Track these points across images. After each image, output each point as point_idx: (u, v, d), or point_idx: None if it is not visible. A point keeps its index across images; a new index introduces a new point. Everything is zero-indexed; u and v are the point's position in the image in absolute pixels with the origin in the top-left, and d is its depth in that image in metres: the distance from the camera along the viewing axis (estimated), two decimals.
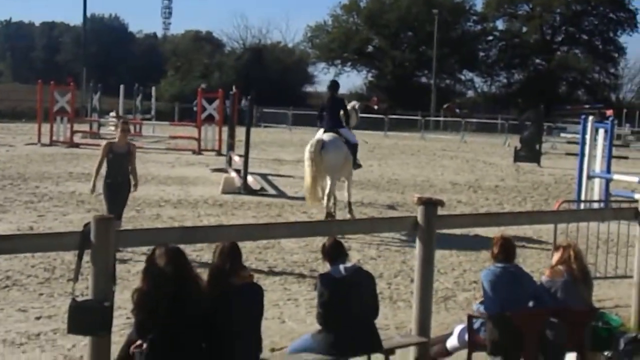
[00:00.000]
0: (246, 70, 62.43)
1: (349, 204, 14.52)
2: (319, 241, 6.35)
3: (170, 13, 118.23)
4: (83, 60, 57.04)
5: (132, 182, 11.36)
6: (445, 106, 53.52)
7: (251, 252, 11.05)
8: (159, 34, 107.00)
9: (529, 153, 28.28)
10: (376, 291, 6.48)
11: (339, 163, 13.79)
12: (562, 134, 39.61)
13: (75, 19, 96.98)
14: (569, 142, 32.97)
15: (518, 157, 28.35)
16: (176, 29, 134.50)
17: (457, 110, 51.90)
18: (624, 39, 72.73)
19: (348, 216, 14.23)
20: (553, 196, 19.08)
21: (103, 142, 11.00)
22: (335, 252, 6.34)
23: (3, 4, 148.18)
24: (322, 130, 14.12)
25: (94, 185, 11.50)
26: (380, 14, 68.89)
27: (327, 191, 13.84)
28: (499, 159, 29.86)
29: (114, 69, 73.88)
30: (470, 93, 73.76)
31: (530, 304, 6.71)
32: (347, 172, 14.42)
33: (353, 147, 14.26)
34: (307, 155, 13.60)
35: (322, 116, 14.44)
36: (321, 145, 13.50)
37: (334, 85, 15.18)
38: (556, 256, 7.06)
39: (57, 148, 26.14)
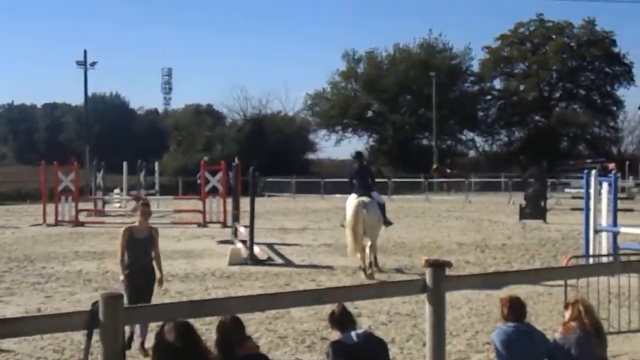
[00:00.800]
0: (248, 141, 62.82)
1: (375, 258, 16.23)
2: (328, 309, 6.29)
3: (170, 88, 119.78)
4: (86, 139, 57.58)
5: (157, 275, 9.97)
6: (434, 167, 53.47)
7: (261, 323, 10.97)
8: (160, 110, 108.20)
9: (534, 210, 28.23)
10: (389, 356, 6.42)
11: (376, 220, 15.82)
12: (566, 190, 39.64)
13: (76, 99, 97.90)
14: (573, 197, 32.96)
15: (523, 214, 28.29)
16: (177, 104, 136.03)
17: (448, 171, 51.85)
18: (621, 92, 73.27)
19: (368, 275, 15.29)
20: (561, 252, 18.99)
21: (122, 228, 9.93)
22: (344, 319, 6.29)
23: (5, 88, 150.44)
24: (355, 195, 15.98)
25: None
26: (378, 79, 69.61)
27: (367, 248, 15.61)
28: (504, 217, 29.81)
29: (116, 146, 74.42)
30: (472, 153, 74.17)
31: None
32: (379, 229, 16.35)
33: (382, 207, 16.42)
34: (351, 213, 15.52)
35: (353, 183, 16.34)
36: (363, 205, 15.46)
37: (359, 155, 17.73)
38: (567, 313, 7.01)
39: (63, 228, 26.17)
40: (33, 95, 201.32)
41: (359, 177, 16.32)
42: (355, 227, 15.38)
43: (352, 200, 15.88)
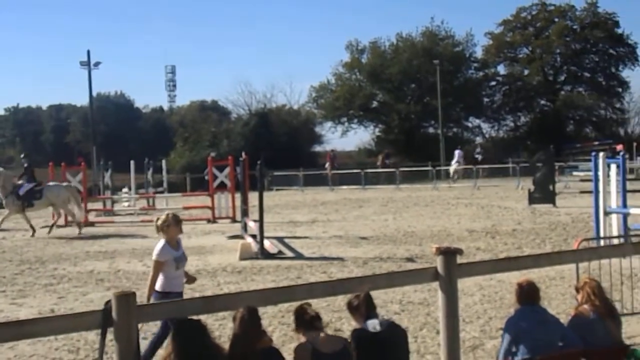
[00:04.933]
0: (254, 136, 62.81)
1: None
2: (341, 300, 6.29)
3: (174, 86, 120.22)
4: (92, 139, 57.65)
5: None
6: (378, 162, 52.82)
7: (274, 317, 10.99)
8: (165, 107, 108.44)
9: (543, 194, 28.16)
10: (408, 346, 6.42)
11: None
12: (575, 173, 39.53)
13: (81, 100, 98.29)
14: (582, 180, 32.89)
15: (533, 199, 28.23)
16: (182, 101, 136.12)
17: (387, 162, 51.56)
18: (626, 73, 72.80)
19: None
20: (572, 235, 18.97)
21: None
22: (367, 307, 6.26)
23: (10, 91, 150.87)
24: None
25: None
26: (382, 69, 69.45)
27: None
28: (513, 203, 29.77)
29: (123, 145, 74.67)
30: (478, 139, 73.92)
31: (560, 345, 6.63)
32: None
33: None
34: None
35: None
36: None
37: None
38: (579, 296, 7.02)
39: (73, 228, 26.22)
40: (38, 97, 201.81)
41: None
42: None
43: None
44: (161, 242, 8.91)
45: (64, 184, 26.84)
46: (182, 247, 9.17)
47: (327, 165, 50.32)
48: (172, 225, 8.96)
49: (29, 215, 25.25)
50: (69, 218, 26.97)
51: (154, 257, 8.85)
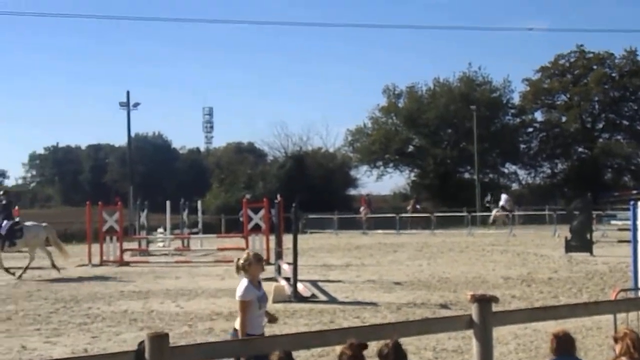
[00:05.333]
0: (289, 178, 62.98)
1: None
2: (373, 346, 6.23)
3: (211, 127, 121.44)
4: (129, 178, 58.18)
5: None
6: (409, 207, 52.19)
7: None
8: (202, 148, 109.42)
9: (580, 243, 27.85)
10: None
11: None
12: (612, 221, 39.05)
13: (120, 140, 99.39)
14: (619, 229, 32.47)
15: (569, 247, 27.92)
16: (218, 142, 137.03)
17: (417, 207, 51.13)
18: None
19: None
20: (609, 285, 18.71)
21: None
22: (396, 356, 6.20)
23: (50, 130, 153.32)
24: None
25: None
26: (419, 114, 69.56)
27: None
28: (550, 251, 29.47)
29: (160, 185, 75.33)
30: (514, 186, 73.49)
31: None
32: None
33: None
34: None
35: None
36: None
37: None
38: (617, 347, 6.89)
39: (108, 268, 26.39)
40: (77, 137, 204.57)
41: None
42: None
43: None
44: (244, 282, 8.65)
45: (43, 224, 26.17)
46: (262, 287, 8.90)
47: (362, 209, 50.24)
48: (253, 264, 8.70)
49: (6, 255, 24.76)
50: (105, 257, 27.09)
51: (238, 297, 8.56)
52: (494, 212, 47.32)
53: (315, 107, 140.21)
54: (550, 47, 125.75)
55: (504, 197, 47.81)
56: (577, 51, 71.90)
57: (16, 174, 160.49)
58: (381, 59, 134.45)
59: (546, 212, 47.55)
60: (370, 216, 48.86)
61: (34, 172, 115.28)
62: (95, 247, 28.83)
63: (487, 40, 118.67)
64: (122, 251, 29.10)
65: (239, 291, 8.60)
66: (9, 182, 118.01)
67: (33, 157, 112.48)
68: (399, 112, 71.97)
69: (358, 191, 73.77)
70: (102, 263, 27.95)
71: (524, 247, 31.45)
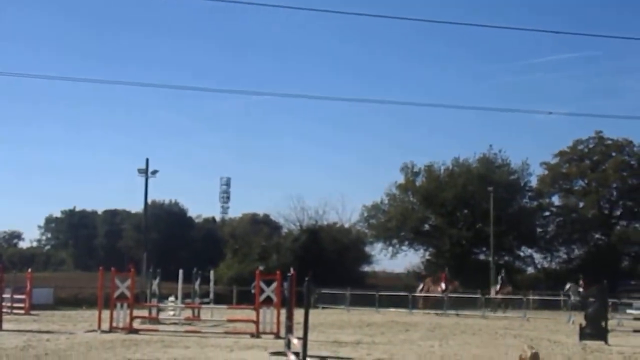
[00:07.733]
0: (303, 251, 62.89)
1: None
2: None
3: (228, 197, 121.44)
4: (144, 245, 58.18)
5: None
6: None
7: None
8: (218, 218, 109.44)
9: (595, 330, 27.44)
10: None
11: None
12: (628, 311, 38.65)
13: (136, 206, 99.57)
14: (635, 319, 32.09)
15: (584, 335, 27.51)
16: (234, 212, 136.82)
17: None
18: None
19: None
20: None
21: None
22: None
23: (67, 194, 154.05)
24: None
25: None
26: (436, 193, 69.66)
27: None
28: (564, 337, 29.05)
29: (174, 253, 75.27)
30: (530, 269, 72.98)
31: None
32: None
33: None
34: None
35: None
36: None
37: None
38: None
39: (117, 334, 26.16)
40: (94, 201, 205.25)
41: None
42: None
43: None
44: None
45: None
46: None
47: (441, 285, 48.91)
48: None
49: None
50: (114, 323, 26.89)
51: None
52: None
53: (332, 182, 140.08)
54: (569, 132, 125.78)
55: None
56: (595, 137, 72.25)
57: (31, 236, 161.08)
58: (401, 136, 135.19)
59: (561, 298, 47.14)
60: (450, 295, 47.19)
61: (49, 235, 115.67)
62: (106, 313, 28.66)
63: (507, 122, 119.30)
64: (132, 318, 28.90)
65: None
66: (24, 244, 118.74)
67: (49, 220, 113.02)
68: (416, 190, 72.09)
69: (372, 268, 73.49)
70: (112, 329, 27.74)
71: (538, 333, 31.03)
